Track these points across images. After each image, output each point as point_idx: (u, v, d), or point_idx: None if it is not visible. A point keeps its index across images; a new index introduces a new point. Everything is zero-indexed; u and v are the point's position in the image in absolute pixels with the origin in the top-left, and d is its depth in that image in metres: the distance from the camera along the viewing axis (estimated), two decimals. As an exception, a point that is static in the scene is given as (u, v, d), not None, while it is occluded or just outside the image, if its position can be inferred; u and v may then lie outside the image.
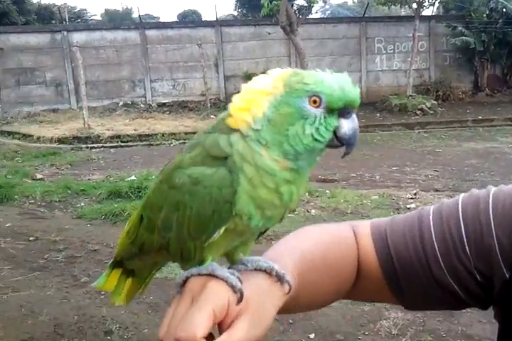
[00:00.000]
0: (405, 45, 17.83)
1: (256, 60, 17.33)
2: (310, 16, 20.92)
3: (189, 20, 32.78)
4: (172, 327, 0.70)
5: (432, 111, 15.09)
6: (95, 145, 12.44)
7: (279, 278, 0.80)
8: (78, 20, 37.62)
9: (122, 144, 12.56)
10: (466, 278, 0.94)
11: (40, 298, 4.37)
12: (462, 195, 1.01)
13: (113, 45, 17.15)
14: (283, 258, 0.88)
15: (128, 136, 12.92)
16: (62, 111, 16.32)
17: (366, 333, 3.75)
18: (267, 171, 0.73)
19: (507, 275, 0.90)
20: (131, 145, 12.41)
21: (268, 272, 0.80)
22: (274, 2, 15.60)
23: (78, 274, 4.83)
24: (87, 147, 12.30)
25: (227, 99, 16.56)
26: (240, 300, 0.72)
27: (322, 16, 39.05)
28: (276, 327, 3.85)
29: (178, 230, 0.78)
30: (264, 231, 0.88)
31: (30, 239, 5.79)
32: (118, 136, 12.81)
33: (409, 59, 16.47)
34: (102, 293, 4.45)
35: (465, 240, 0.94)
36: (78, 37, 16.58)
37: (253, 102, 0.75)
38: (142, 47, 17.19)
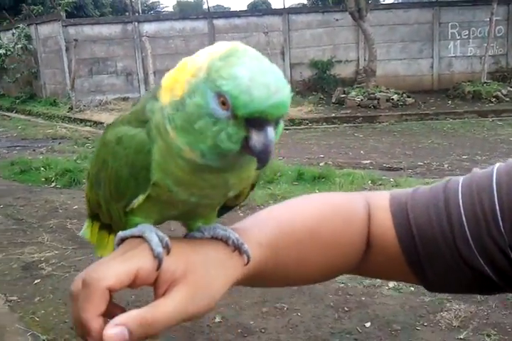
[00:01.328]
0: (481, 30, 16.97)
1: (323, 47, 17.07)
2: (382, 2, 20.34)
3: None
4: (89, 268, 0.65)
5: (507, 99, 14.31)
6: (161, 132, 12.66)
7: (236, 248, 0.72)
8: (151, 12, 38.52)
9: (187, 131, 12.72)
10: (498, 258, 0.81)
11: (101, 277, 4.49)
12: (498, 164, 0.86)
13: (181, 34, 17.38)
14: (255, 227, 0.80)
15: (193, 123, 13.07)
16: (131, 99, 16.74)
17: (425, 324, 3.60)
18: (176, 154, 0.65)
19: None
20: (195, 133, 12.54)
21: (225, 241, 0.73)
22: (343, -12, 15.29)
23: (138, 255, 4.93)
24: (154, 134, 12.54)
25: (293, 86, 16.45)
26: (157, 267, 0.64)
27: (395, 2, 37.89)
28: (331, 314, 3.78)
29: (104, 190, 0.74)
30: (235, 205, 0.81)
31: (95, 220, 5.97)
32: (183, 124, 12.99)
33: (485, 44, 15.68)
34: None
35: (499, 215, 0.80)
36: (148, 27, 16.91)
37: (177, 82, 0.65)
38: (210, 36, 17.32)
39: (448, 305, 3.82)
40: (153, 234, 0.67)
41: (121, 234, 0.70)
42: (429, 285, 0.91)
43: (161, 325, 0.62)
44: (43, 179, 7.96)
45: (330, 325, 3.65)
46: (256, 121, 0.60)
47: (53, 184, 7.77)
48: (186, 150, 0.64)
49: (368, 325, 3.64)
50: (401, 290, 4.07)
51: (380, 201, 0.93)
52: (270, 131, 0.60)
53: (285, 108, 0.61)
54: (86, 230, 0.90)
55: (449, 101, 14.72)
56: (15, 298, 4.18)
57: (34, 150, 10.91)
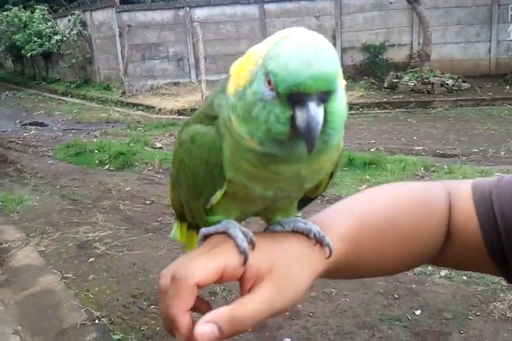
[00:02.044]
0: (545, 11, 16.17)
1: (376, 31, 16.68)
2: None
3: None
4: (176, 264, 0.66)
5: None
6: (210, 117, 12.74)
7: (318, 241, 0.72)
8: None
9: (237, 116, 12.75)
10: None
11: (152, 257, 4.60)
12: None
13: (232, 19, 17.35)
14: (335, 219, 0.79)
15: (243, 108, 13.09)
16: (182, 84, 16.92)
17: (477, 314, 3.52)
18: (242, 147, 0.65)
19: None
20: (245, 118, 12.59)
21: (306, 234, 0.72)
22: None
23: (188, 237, 5.01)
24: (204, 119, 12.64)
25: (344, 70, 16.15)
26: (243, 263, 0.64)
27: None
28: (380, 300, 3.74)
29: (184, 188, 0.74)
30: (314, 197, 0.80)
31: (147, 202, 6.11)
32: (233, 108, 13.01)
33: (549, 27, 14.97)
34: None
35: None
36: (199, 13, 16.94)
37: (242, 71, 0.65)
38: (260, 21, 17.23)
39: (502, 295, 3.71)
40: (237, 229, 0.68)
41: (204, 230, 0.71)
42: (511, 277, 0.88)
43: (250, 321, 0.63)
44: (97, 161, 8.18)
45: (379, 311, 3.61)
46: (297, 97, 0.59)
47: (107, 166, 7.97)
48: (247, 140, 0.64)
49: (418, 312, 3.58)
50: (453, 278, 3.98)
51: (462, 190, 0.90)
52: (312, 106, 0.58)
53: (325, 80, 0.58)
54: (175, 231, 0.92)
55: (507, 87, 14.15)
56: (70, 275, 4.33)
57: (88, 133, 11.20)
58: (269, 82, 0.60)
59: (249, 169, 0.66)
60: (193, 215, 0.77)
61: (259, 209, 0.75)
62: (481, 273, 0.97)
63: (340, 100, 0.63)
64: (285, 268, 0.67)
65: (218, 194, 0.69)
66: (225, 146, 0.66)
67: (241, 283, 0.66)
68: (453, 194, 0.91)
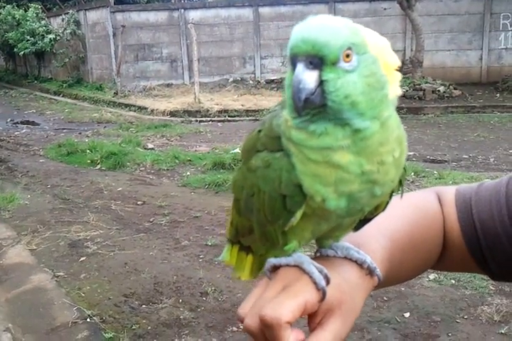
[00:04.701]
0: (535, 21, 16.38)
1: (369, 36, 16.81)
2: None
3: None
4: (258, 305, 0.67)
5: (560, 93, 13.82)
6: (204, 118, 12.78)
7: (370, 272, 0.76)
8: (196, 0, 38.60)
9: (229, 118, 12.80)
10: None
11: (143, 257, 4.61)
12: None
13: (226, 22, 17.39)
14: (372, 242, 0.83)
15: (235, 110, 13.13)
16: (175, 85, 16.93)
17: (465, 317, 3.57)
18: (294, 140, 0.65)
19: None
20: (237, 120, 12.63)
21: (359, 263, 0.76)
22: (392, -24, 14.98)
23: (180, 238, 5.04)
24: (196, 120, 12.68)
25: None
26: (321, 299, 0.67)
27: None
28: (369, 303, 3.78)
29: (258, 213, 0.74)
30: (369, 219, 0.80)
31: (138, 203, 6.12)
32: (226, 111, 13.05)
33: (539, 36, 15.15)
34: (201, 256, 4.60)
35: None
36: (194, 14, 16.99)
37: None
38: (254, 24, 17.28)
39: (489, 299, 3.77)
40: (311, 266, 0.70)
41: (274, 261, 0.73)
42: (493, 275, 0.96)
43: None
44: (89, 161, 8.17)
45: (368, 313, 3.65)
46: (293, 60, 0.62)
47: (98, 166, 7.97)
48: (287, 120, 0.65)
49: (407, 315, 3.62)
50: (441, 282, 4.03)
51: (448, 195, 0.98)
52: (299, 66, 0.60)
53: (314, 44, 0.60)
54: (226, 253, 0.91)
55: (497, 94, 14.31)
56: (62, 273, 4.33)
57: (80, 133, 11.18)
58: None
59: (317, 170, 0.65)
60: (267, 239, 0.76)
61: (329, 228, 0.75)
62: (469, 272, 1.07)
63: (349, 77, 0.62)
64: (349, 301, 0.71)
65: (298, 214, 0.69)
66: (296, 161, 0.66)
67: (312, 316, 0.69)
68: (442, 201, 0.99)
